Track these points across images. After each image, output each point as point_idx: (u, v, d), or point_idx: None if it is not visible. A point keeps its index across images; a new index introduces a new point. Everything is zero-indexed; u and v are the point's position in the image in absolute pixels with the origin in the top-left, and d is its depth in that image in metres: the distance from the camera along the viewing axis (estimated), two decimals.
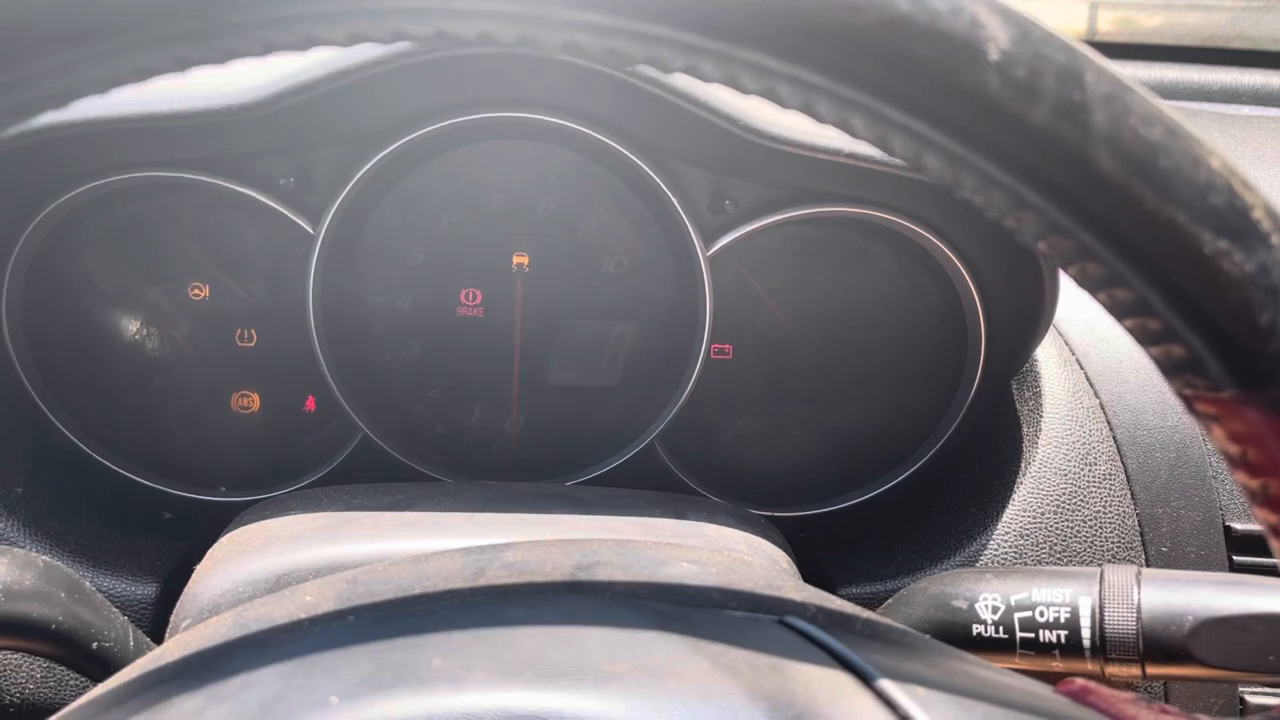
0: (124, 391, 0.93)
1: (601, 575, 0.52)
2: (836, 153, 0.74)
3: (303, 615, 0.47)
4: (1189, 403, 0.38)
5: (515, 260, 0.93)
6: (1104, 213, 0.34)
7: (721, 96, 0.75)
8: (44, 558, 0.63)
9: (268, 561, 0.63)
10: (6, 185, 0.80)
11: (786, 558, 0.74)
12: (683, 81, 0.75)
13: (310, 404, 0.95)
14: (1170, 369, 0.37)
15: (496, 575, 0.52)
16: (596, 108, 0.83)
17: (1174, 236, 0.34)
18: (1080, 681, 0.46)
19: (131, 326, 0.92)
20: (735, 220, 0.87)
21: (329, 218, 0.84)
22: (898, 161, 0.75)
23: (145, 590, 0.82)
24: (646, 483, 0.93)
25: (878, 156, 0.76)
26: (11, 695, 0.79)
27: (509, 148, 0.90)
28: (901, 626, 0.51)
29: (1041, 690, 0.43)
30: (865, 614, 0.52)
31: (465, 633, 0.42)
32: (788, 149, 0.73)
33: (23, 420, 0.88)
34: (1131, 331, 0.38)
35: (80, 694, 0.78)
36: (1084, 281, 0.37)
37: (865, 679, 0.41)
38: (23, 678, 0.79)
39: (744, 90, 0.35)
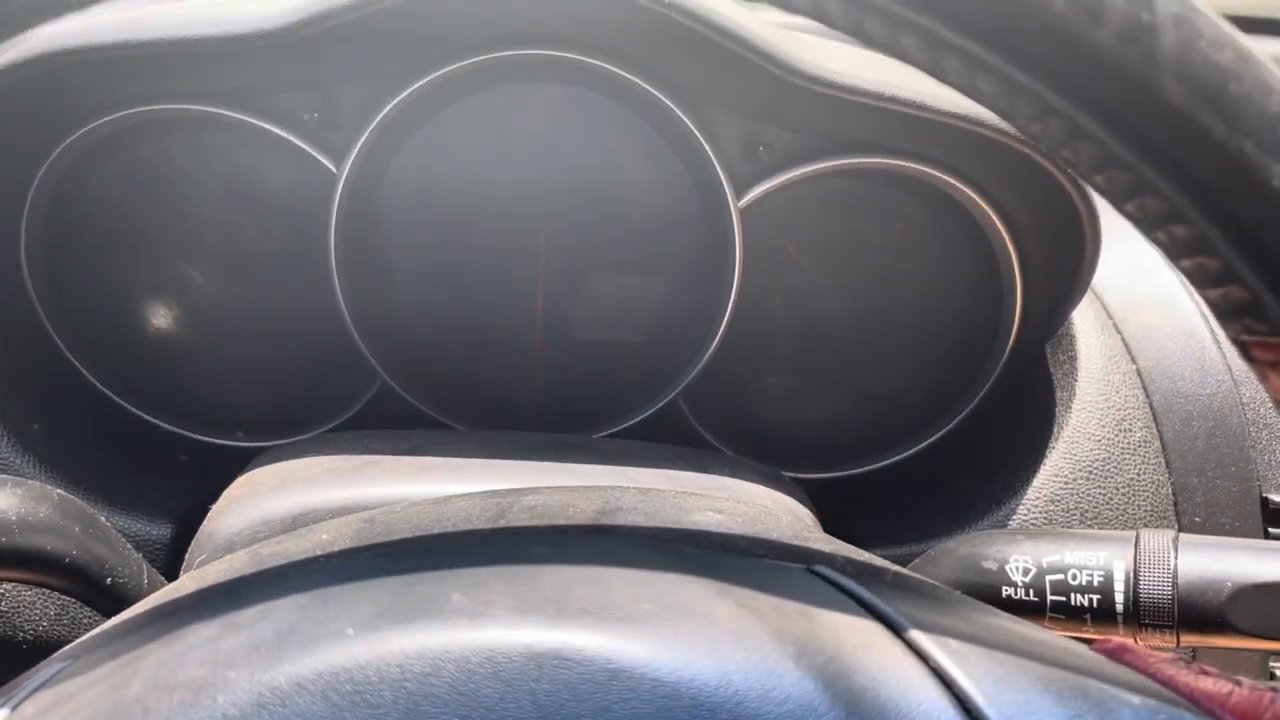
0: (142, 332, 0.92)
1: (625, 520, 0.51)
2: (877, 96, 0.71)
3: (319, 552, 0.47)
4: (1245, 348, 0.36)
5: (540, 209, 0.91)
6: (1168, 142, 0.33)
7: (761, 34, 0.73)
8: (59, 491, 0.63)
9: (284, 502, 0.62)
10: (23, 118, 0.79)
11: (811, 515, 0.73)
12: (721, 18, 0.72)
13: (329, 351, 0.94)
14: (1228, 312, 0.36)
15: (517, 518, 0.51)
16: (629, 47, 0.81)
17: (1241, 169, 0.32)
18: (1117, 640, 0.44)
19: (149, 266, 0.91)
20: (768, 170, 0.84)
21: (353, 156, 0.82)
22: (942, 107, 0.73)
23: (160, 531, 0.82)
24: (669, 439, 0.91)
25: (921, 101, 0.73)
26: (25, 632, 0.79)
27: (537, 93, 0.88)
28: (932, 582, 0.50)
29: (1078, 648, 0.42)
30: (894, 567, 0.50)
31: (485, 569, 0.41)
32: (829, 91, 0.70)
33: (40, 358, 0.88)
34: (1189, 272, 0.36)
35: (89, 629, 0.78)
36: (1142, 218, 0.35)
37: (896, 629, 0.40)
38: (36, 614, 0.79)
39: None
